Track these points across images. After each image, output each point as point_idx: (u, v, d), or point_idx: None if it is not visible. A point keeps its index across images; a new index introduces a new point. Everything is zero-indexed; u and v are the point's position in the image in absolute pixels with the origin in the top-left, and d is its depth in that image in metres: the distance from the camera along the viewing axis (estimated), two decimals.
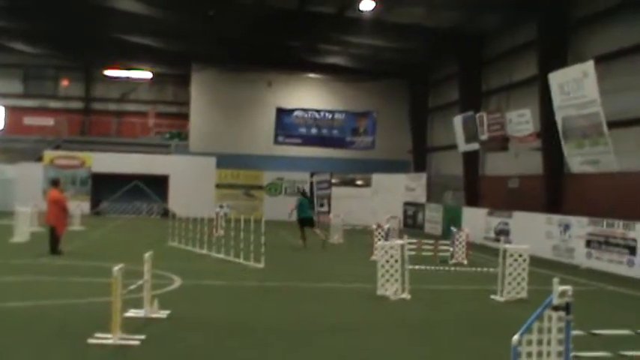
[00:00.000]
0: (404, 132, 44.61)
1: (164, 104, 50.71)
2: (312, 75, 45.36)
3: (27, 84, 50.11)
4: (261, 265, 17.83)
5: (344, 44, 37.74)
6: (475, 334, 10.44)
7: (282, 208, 42.51)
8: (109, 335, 8.95)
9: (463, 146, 31.58)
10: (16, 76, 49.75)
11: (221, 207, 37.24)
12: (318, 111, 40.29)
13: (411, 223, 37.75)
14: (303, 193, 27.98)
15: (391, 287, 13.45)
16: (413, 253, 14.09)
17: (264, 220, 18.35)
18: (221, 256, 20.02)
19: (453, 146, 33.66)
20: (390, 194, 39.67)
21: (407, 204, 39.07)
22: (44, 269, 16.44)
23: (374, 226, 21.54)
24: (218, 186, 43.60)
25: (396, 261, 13.49)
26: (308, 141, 40.08)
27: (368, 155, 42.46)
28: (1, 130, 47.47)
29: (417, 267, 17.59)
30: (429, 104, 43.02)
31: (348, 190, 42.37)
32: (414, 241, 18.12)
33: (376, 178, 41.56)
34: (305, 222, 24.78)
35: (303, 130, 39.85)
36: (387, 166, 43.19)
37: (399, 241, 14.03)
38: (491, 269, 17.34)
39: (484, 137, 28.98)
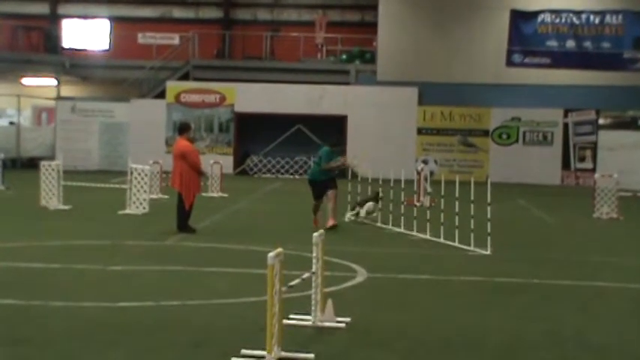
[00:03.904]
0: None
1: (339, 10, 51.31)
2: None
3: None
4: (487, 252, 17.71)
5: None
6: None
7: (520, 163, 42.02)
8: (261, 352, 9.17)
9: None
10: None
11: (425, 162, 37.35)
12: (577, 12, 39.13)
13: None
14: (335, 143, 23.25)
15: None
16: None
17: (489, 182, 18.11)
18: (426, 236, 20.04)
19: None
20: None
21: None
22: (169, 254, 17.17)
23: None
24: (421, 131, 43.68)
25: None
26: (561, 60, 39.21)
27: None
28: (106, 51, 49.99)
29: None
30: None
31: (626, 136, 41.03)
32: None
33: None
34: (320, 187, 21.84)
35: (552, 44, 39.02)
36: None
37: None
38: None
39: None
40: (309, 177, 22.80)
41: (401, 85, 44.06)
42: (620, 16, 38.63)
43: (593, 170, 38.19)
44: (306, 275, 10.67)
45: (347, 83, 46.08)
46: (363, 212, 23.14)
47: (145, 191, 24.31)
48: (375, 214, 22.95)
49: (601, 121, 42.05)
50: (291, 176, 43.66)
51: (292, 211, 26.86)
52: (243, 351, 9.37)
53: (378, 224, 22.28)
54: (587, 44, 38.63)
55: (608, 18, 38.66)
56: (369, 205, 23.14)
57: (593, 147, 41.96)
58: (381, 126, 42.74)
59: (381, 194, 23.06)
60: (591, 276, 15.82)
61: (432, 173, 32.25)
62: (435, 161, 42.36)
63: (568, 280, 15.22)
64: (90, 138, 44.62)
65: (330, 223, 21.05)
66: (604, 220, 25.95)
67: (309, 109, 43.29)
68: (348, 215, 23.53)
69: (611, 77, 41.38)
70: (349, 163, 23.48)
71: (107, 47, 50.53)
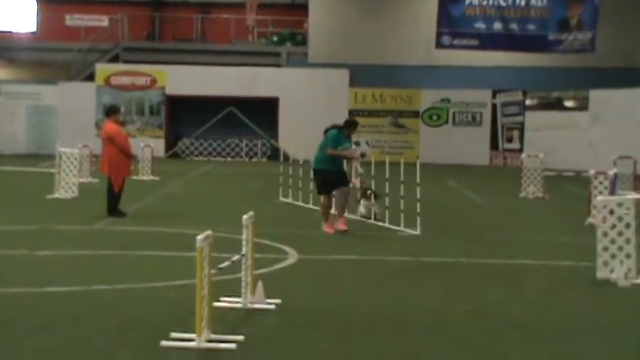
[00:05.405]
0: None
1: None
2: None
3: None
4: (417, 232, 17.89)
5: None
6: None
7: (449, 144, 42.37)
8: (191, 335, 9.18)
9: None
10: None
11: (356, 144, 37.39)
12: None
13: None
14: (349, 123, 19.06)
15: (620, 267, 13.12)
16: None
17: (419, 163, 18.24)
18: (357, 217, 20.16)
19: None
20: (619, 121, 38.58)
21: None
22: (98, 238, 17.09)
23: (592, 172, 21.04)
24: (352, 113, 43.75)
25: (628, 226, 13.11)
26: (488, 42, 39.41)
27: (584, 61, 41.37)
28: (33, 33, 49.34)
29: None
30: None
31: (552, 117, 41.58)
32: None
33: (597, 96, 40.47)
34: (325, 178, 18.25)
35: (480, 26, 39.19)
36: (615, 77, 41.93)
37: (634, 195, 13.59)
38: None
39: None
40: (313, 166, 18.60)
41: (332, 67, 44.19)
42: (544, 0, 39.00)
43: (521, 150, 38.63)
44: (235, 257, 10.70)
45: (278, 65, 46.09)
46: (361, 210, 20.29)
47: (74, 175, 24.11)
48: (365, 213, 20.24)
49: (528, 102, 42.55)
50: (223, 159, 43.66)
51: (224, 193, 26.89)
52: (173, 334, 9.36)
53: (310, 206, 22.32)
54: (514, 26, 38.87)
55: (533, 1, 38.99)
56: (365, 205, 20.33)
57: (521, 127, 42.46)
58: (312, 108, 42.78)
59: (369, 192, 20.38)
60: (517, 254, 16.03)
61: (363, 155, 32.28)
62: (367, 142, 42.54)
63: (495, 259, 15.42)
64: (16, 121, 44.07)
65: (341, 226, 18.07)
66: (530, 199, 26.30)
67: (241, 91, 43.24)
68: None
69: (536, 59, 41.92)
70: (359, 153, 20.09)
71: (34, 29, 49.88)
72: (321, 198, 18.43)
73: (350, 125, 18.78)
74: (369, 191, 20.50)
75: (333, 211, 18.47)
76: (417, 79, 44.29)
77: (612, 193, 18.66)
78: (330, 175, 17.99)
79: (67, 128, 41.06)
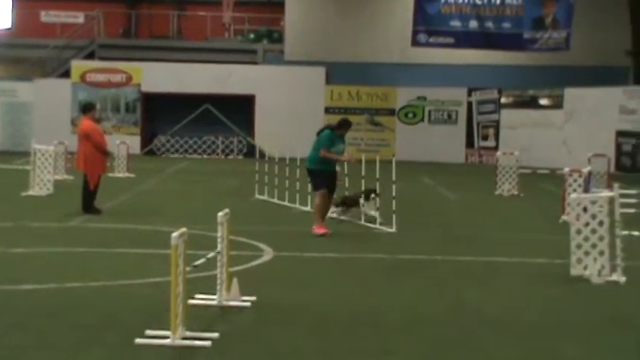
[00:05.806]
0: (618, 22, 43.23)
1: None
2: None
3: None
4: (393, 229, 17.91)
5: None
6: None
7: (425, 142, 42.43)
8: (166, 333, 9.17)
9: None
10: None
11: None
12: None
13: (629, 165, 36.82)
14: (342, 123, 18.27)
15: (593, 264, 13.19)
16: (632, 211, 13.64)
17: (394, 161, 18.27)
18: (333, 215, 20.14)
19: None
20: (593, 120, 38.75)
21: (622, 134, 38.07)
22: (73, 236, 17.03)
23: (566, 170, 21.13)
24: (328, 110, 43.82)
25: (601, 224, 13.18)
26: (464, 40, 39.47)
27: (559, 60, 41.49)
28: (8, 30, 49.08)
29: (637, 233, 17.17)
30: None
31: (527, 115, 41.70)
32: (634, 192, 17.68)
33: (571, 94, 40.63)
34: (318, 177, 17.77)
35: (456, 24, 39.22)
36: (590, 75, 42.10)
37: (607, 193, 13.64)
38: None
39: None
40: (306, 165, 18.16)
41: (308, 65, 44.18)
42: None
43: (496, 148, 38.68)
44: (211, 255, 10.70)
45: (255, 63, 46.06)
46: (374, 213, 18.79)
47: (49, 172, 23.99)
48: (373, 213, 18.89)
49: (503, 100, 42.67)
50: (199, 156, 43.56)
51: (200, 190, 26.82)
52: (148, 332, 9.35)
53: (286, 203, 22.31)
54: (489, 24, 38.90)
55: None
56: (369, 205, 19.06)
57: (496, 125, 42.60)
58: (288, 105, 42.78)
59: (378, 191, 18.92)
60: (492, 252, 16.09)
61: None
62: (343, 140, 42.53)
63: (470, 257, 15.47)
64: None
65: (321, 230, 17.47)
66: (505, 197, 26.33)
67: (217, 88, 43.15)
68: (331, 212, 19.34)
69: (512, 57, 42.04)
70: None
71: (9, 25, 49.61)
72: (316, 198, 17.84)
73: (343, 125, 18.18)
74: (377, 192, 19.04)
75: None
76: (393, 77, 44.34)
77: (586, 190, 18.72)
78: (323, 174, 17.57)
79: (43, 125, 40.81)
